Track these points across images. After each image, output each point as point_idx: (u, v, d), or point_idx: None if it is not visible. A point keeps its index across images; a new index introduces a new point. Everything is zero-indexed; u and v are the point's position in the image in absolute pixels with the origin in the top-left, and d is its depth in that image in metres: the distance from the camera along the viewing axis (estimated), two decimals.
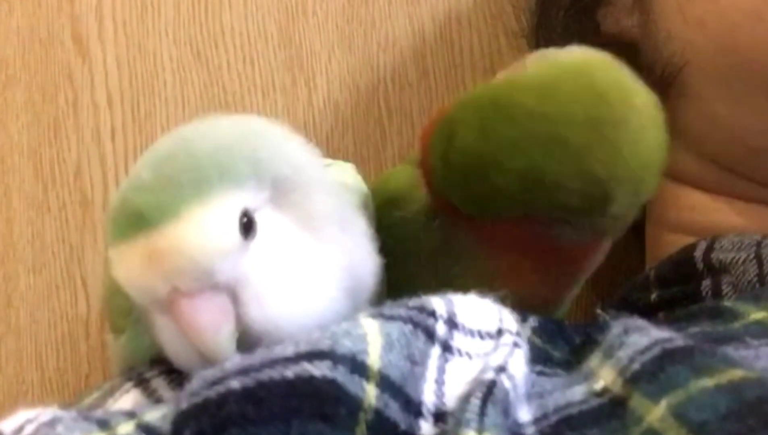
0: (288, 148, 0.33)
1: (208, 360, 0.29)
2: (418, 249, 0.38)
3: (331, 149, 0.56)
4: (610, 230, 0.35)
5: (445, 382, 0.29)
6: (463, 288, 0.33)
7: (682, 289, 0.42)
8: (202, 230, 0.29)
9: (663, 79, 0.44)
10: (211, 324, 0.29)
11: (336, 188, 0.35)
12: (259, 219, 0.30)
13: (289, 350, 0.27)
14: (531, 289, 0.37)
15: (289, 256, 0.31)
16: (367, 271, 0.34)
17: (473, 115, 0.33)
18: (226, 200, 0.29)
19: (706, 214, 0.46)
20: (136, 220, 0.29)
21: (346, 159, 0.55)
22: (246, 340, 0.30)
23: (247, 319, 0.30)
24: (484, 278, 0.35)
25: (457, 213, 0.34)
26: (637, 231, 0.51)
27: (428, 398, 0.29)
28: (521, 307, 0.34)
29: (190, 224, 0.28)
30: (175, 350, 0.31)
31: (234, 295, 0.30)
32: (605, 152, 0.31)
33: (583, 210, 0.32)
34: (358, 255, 0.34)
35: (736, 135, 0.43)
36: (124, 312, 0.35)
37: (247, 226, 0.30)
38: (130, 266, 0.29)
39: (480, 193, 0.33)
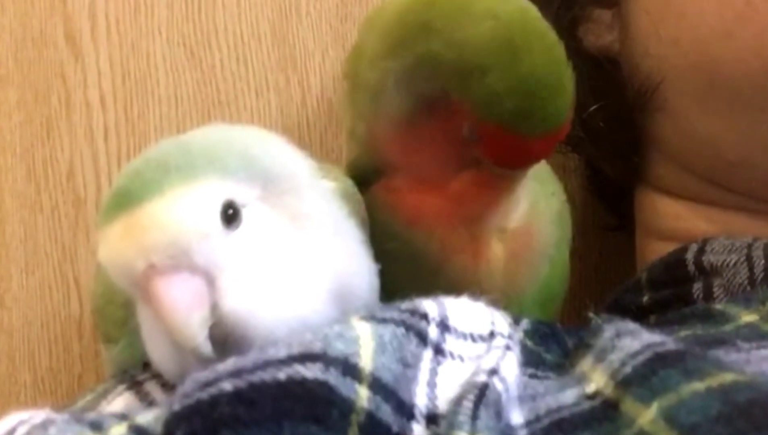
0: (283, 153, 0.34)
1: (179, 345, 0.29)
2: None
3: (325, 149, 0.56)
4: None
5: (438, 384, 0.29)
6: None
7: (673, 291, 0.42)
8: (182, 208, 0.29)
9: (642, 94, 0.45)
10: (184, 304, 0.29)
11: (330, 196, 0.35)
12: (248, 213, 0.31)
13: (281, 352, 0.27)
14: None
15: (274, 253, 0.31)
16: (361, 280, 0.34)
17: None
18: (211, 185, 0.30)
19: (690, 222, 0.46)
20: (122, 200, 0.30)
21: (339, 159, 0.56)
22: (220, 333, 0.30)
23: (221, 308, 0.30)
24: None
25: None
26: (629, 235, 0.51)
27: (420, 401, 0.29)
28: None
29: (171, 201, 0.29)
30: (154, 345, 0.31)
31: (211, 282, 0.30)
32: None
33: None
34: (351, 263, 0.34)
35: (712, 148, 0.44)
36: (118, 322, 0.35)
37: (231, 216, 0.30)
38: (111, 243, 0.29)
39: None
